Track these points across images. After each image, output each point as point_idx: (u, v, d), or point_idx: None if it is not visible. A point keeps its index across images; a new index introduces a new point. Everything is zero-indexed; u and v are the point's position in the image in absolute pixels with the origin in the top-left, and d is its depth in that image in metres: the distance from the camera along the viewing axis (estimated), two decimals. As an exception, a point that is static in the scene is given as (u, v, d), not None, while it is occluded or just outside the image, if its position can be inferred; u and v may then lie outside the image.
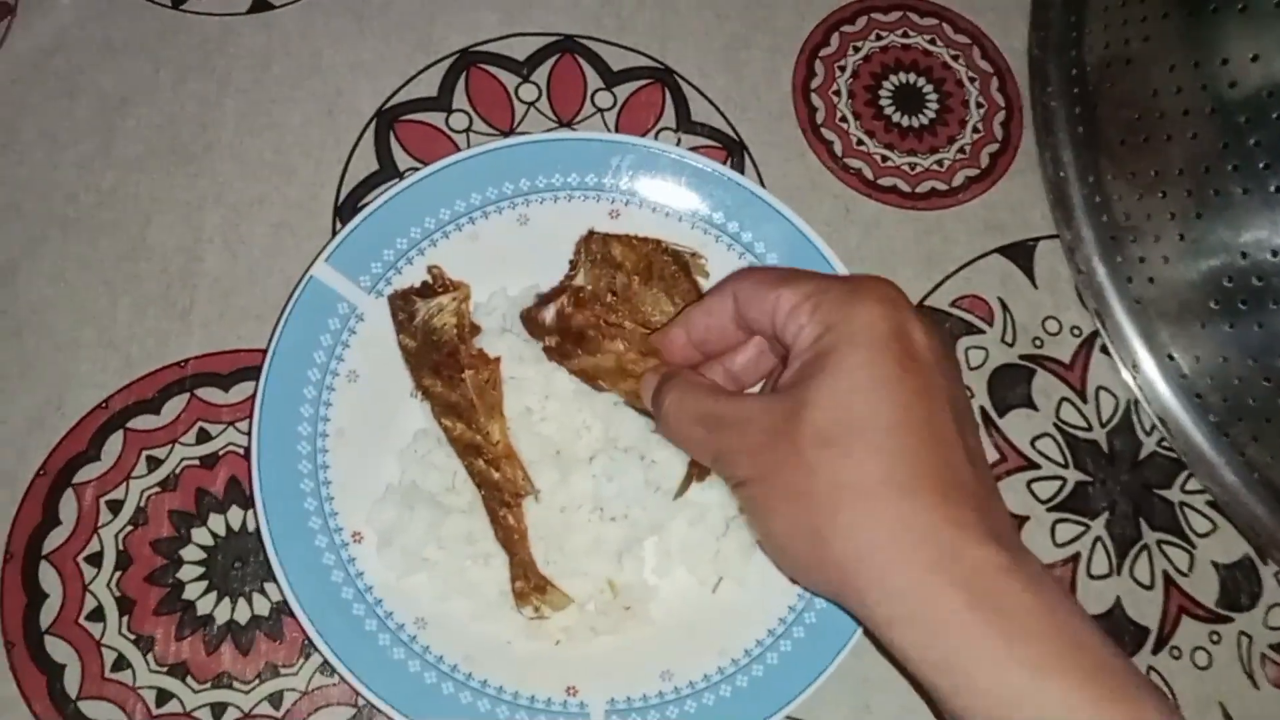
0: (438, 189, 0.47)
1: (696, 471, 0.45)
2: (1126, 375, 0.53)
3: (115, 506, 0.46)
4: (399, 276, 0.47)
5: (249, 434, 0.44)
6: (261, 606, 0.45)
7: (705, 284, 0.48)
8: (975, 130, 0.57)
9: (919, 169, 0.56)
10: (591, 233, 0.47)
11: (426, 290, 0.46)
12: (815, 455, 0.32)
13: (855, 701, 0.47)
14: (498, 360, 0.46)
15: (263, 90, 0.53)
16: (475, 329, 0.46)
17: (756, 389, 0.45)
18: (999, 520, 0.32)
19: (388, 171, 0.52)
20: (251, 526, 0.46)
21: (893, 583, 0.31)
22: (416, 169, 0.47)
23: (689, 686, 0.43)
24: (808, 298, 0.35)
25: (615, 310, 0.46)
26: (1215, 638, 0.50)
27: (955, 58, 0.58)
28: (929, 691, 0.32)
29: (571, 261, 0.47)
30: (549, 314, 0.46)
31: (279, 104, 0.53)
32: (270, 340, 0.44)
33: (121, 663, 0.44)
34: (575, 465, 0.45)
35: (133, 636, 0.44)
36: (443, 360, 0.45)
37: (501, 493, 0.44)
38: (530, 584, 0.44)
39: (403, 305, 0.46)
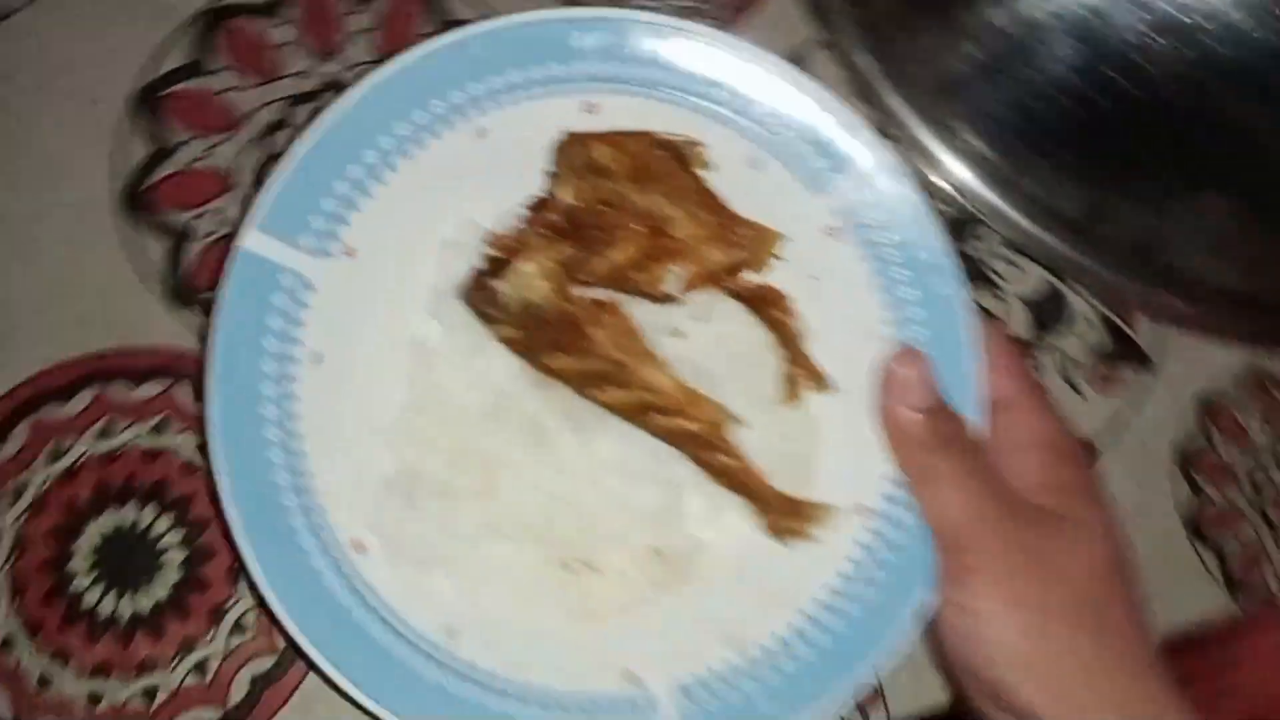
0: (367, 115, 0.38)
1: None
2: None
3: None
4: (348, 230, 0.39)
5: (205, 449, 0.37)
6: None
7: (708, 176, 0.39)
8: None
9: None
10: (568, 136, 0.39)
11: (495, 267, 0.38)
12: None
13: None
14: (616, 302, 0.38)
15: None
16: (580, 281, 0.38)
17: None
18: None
19: (166, 150, 0.48)
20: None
21: None
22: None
23: (761, 652, 0.38)
24: (1075, 482, 0.38)
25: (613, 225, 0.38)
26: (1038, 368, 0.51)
27: None
28: None
29: (550, 175, 0.39)
30: (505, 285, 0.37)
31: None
32: (211, 332, 0.37)
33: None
34: (594, 422, 0.39)
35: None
36: (561, 332, 0.38)
37: (699, 439, 0.38)
38: (780, 513, 0.38)
39: (483, 298, 0.38)
